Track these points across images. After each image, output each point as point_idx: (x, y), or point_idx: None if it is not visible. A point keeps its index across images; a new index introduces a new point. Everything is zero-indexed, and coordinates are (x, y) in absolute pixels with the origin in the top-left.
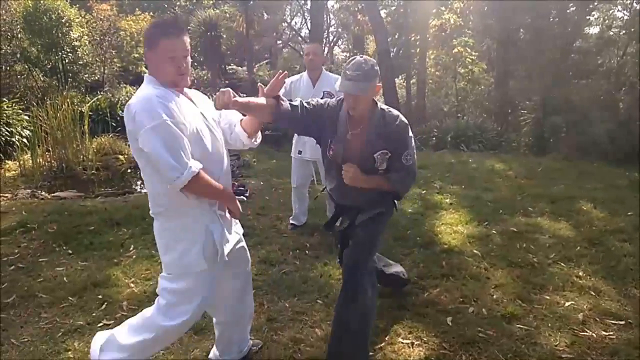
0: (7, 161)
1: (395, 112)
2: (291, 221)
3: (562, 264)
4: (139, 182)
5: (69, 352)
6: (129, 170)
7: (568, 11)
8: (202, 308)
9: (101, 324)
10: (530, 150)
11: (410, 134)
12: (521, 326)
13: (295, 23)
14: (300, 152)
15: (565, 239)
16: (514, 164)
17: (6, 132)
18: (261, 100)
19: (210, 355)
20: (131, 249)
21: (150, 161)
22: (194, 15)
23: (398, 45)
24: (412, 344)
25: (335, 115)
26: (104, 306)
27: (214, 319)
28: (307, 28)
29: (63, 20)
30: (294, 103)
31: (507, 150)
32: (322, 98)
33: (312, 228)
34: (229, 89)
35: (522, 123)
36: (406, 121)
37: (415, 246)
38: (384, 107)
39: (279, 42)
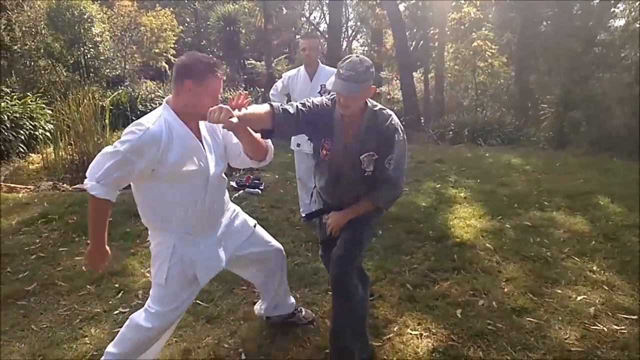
0: (31, 154)
1: (388, 112)
2: (302, 214)
3: (576, 258)
4: None
5: (86, 338)
6: None
7: (592, 3)
8: (177, 316)
9: (117, 312)
10: (550, 144)
11: (400, 138)
12: (531, 319)
13: (314, 17)
14: (298, 145)
15: (580, 233)
16: (532, 159)
17: (30, 126)
18: (256, 109)
19: (258, 309)
20: (147, 240)
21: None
22: (213, 10)
23: (416, 39)
24: (421, 335)
25: (329, 115)
26: (120, 294)
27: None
28: (326, 22)
29: (85, 17)
30: (289, 109)
31: (525, 145)
32: (319, 92)
33: None
34: (227, 107)
35: (542, 117)
36: (397, 124)
37: (427, 240)
38: (378, 107)
39: (297, 36)
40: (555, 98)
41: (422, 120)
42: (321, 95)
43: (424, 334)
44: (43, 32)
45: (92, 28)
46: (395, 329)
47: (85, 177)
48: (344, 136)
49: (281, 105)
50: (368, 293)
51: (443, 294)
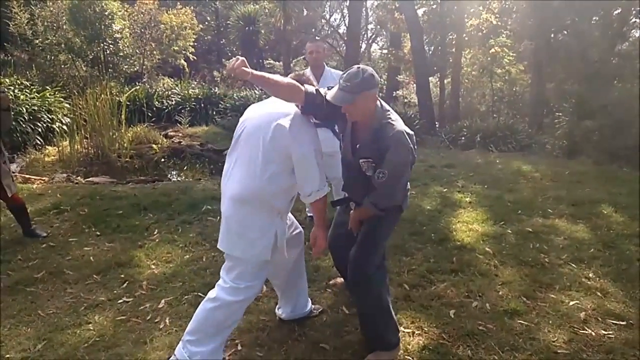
0: (47, 147)
1: (394, 129)
2: (308, 213)
3: (573, 264)
4: (173, 172)
5: (89, 325)
6: (162, 160)
7: (612, 13)
8: (260, 287)
9: (121, 301)
10: (564, 153)
11: (395, 157)
12: (522, 322)
13: (335, 20)
14: None
15: (580, 241)
16: (542, 166)
17: (47, 119)
18: (279, 78)
19: (280, 314)
20: (155, 233)
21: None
22: (234, 9)
23: (434, 43)
24: (413, 333)
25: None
26: (125, 284)
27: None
28: (345, 24)
29: (106, 13)
30: (319, 89)
31: (536, 153)
32: None
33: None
34: (243, 58)
35: (556, 126)
36: (398, 141)
37: (428, 242)
38: (388, 120)
39: (317, 37)
40: (570, 107)
41: (437, 125)
42: None
43: (416, 332)
44: (64, 27)
45: (113, 25)
46: None
47: (97, 170)
48: (353, 138)
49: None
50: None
51: (439, 294)
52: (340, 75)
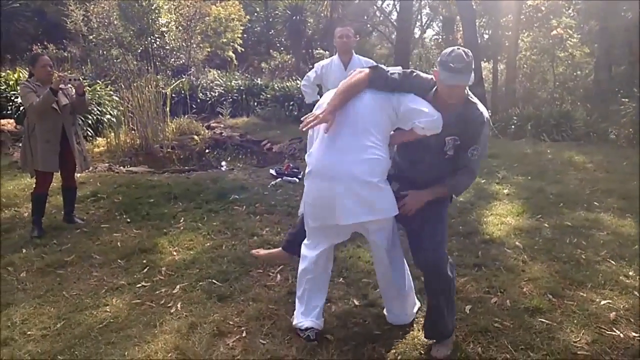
0: (97, 138)
1: (481, 106)
2: None
3: (612, 261)
4: (223, 162)
5: (107, 307)
6: (207, 151)
7: None
8: None
9: (139, 285)
10: (629, 143)
11: (486, 132)
12: (543, 320)
13: (387, 6)
14: None
15: (624, 236)
16: (597, 157)
17: (97, 112)
18: (353, 79)
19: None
20: (181, 221)
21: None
22: None
23: (489, 26)
24: (424, 327)
25: (423, 94)
26: (145, 270)
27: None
28: (396, 10)
29: (153, 7)
30: (390, 70)
31: (595, 142)
32: None
33: None
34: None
35: (622, 112)
36: (486, 118)
37: (455, 235)
38: (473, 98)
39: (368, 25)
40: (638, 92)
41: (490, 113)
42: None
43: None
44: (115, 22)
45: (159, 19)
46: None
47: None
48: None
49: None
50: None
51: (457, 289)
52: (444, 59)
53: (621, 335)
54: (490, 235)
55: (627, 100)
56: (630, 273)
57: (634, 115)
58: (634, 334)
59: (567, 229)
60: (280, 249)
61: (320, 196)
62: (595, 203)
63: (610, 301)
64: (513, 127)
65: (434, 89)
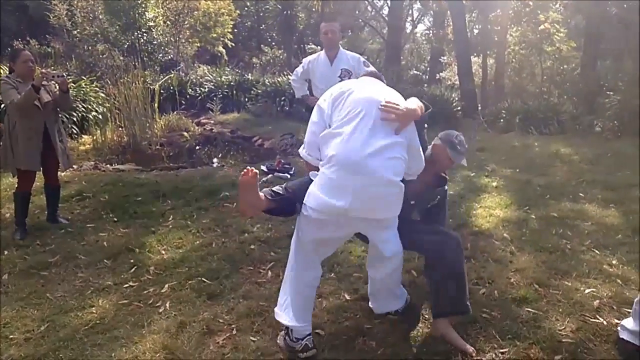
0: (83, 135)
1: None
2: None
3: (596, 251)
4: (214, 159)
5: (93, 308)
6: (197, 147)
7: None
8: None
9: (127, 285)
10: (614, 135)
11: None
12: (530, 310)
13: (378, 1)
14: None
15: (608, 226)
16: (583, 149)
17: (83, 109)
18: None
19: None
20: (170, 219)
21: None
22: None
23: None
24: (412, 318)
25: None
26: (133, 269)
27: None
28: (387, 5)
29: (139, 1)
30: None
31: (581, 134)
32: (339, 75)
33: None
34: None
35: (607, 105)
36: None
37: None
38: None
39: (359, 20)
40: (623, 85)
41: (479, 107)
42: (341, 79)
43: (416, 319)
44: (100, 17)
45: (146, 13)
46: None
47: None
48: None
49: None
50: None
51: None
52: (454, 140)
53: (604, 322)
54: (479, 228)
55: (612, 93)
56: (614, 262)
57: (619, 108)
58: (616, 320)
59: (553, 220)
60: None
61: (346, 186)
62: (581, 194)
63: (594, 290)
64: (502, 120)
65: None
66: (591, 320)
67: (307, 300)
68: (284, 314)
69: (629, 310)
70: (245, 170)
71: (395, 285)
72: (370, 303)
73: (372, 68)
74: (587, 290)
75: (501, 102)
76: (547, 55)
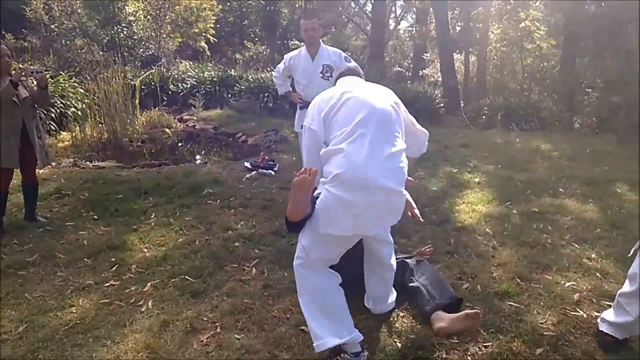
0: (61, 132)
1: None
2: None
3: (576, 245)
4: (197, 156)
5: (73, 308)
6: (179, 144)
7: None
8: None
9: (107, 284)
10: (592, 131)
11: None
12: (512, 303)
13: None
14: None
15: (587, 221)
16: (563, 145)
17: (61, 105)
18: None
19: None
20: (152, 216)
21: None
22: None
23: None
24: (397, 315)
25: None
26: (114, 268)
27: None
28: (371, 2)
29: None
30: None
31: (561, 131)
32: (321, 71)
33: None
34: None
35: (585, 102)
36: None
37: (428, 224)
38: None
39: (343, 17)
40: (601, 83)
41: (462, 104)
42: (323, 75)
43: (400, 314)
44: (79, 11)
45: (126, 7)
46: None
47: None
48: None
49: None
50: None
51: None
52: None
53: (584, 315)
54: (462, 223)
55: (590, 90)
56: (593, 255)
57: (597, 105)
58: (596, 313)
59: (534, 215)
60: None
61: (355, 204)
62: (561, 190)
63: (574, 283)
64: (484, 117)
65: None
66: (571, 313)
67: (339, 307)
68: (329, 338)
69: (608, 303)
70: (303, 169)
71: (391, 284)
72: (370, 304)
73: (353, 63)
74: (567, 284)
75: (483, 98)
76: (528, 53)
